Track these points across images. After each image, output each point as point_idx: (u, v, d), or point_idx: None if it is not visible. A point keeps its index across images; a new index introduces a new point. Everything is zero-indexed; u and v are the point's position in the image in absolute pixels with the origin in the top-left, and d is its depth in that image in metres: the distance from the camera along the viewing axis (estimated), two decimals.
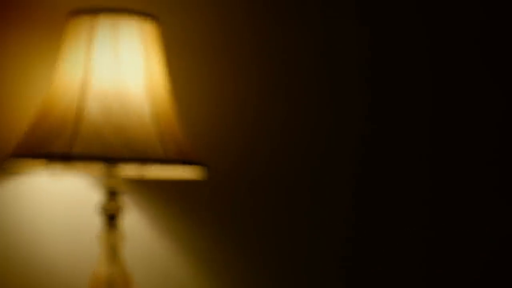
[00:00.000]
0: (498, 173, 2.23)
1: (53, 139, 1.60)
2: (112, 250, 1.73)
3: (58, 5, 1.83)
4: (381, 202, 2.14)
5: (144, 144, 1.62)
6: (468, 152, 2.22)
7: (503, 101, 2.25)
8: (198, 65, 2.01)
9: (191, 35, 2.01)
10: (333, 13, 2.15)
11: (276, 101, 2.10)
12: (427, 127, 2.19)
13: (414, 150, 2.18)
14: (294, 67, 2.12)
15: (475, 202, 2.21)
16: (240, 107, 2.06)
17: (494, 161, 2.23)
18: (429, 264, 2.17)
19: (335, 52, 2.12)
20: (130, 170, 1.83)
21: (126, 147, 1.60)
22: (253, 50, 2.08)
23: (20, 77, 1.83)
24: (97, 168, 1.82)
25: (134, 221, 1.93)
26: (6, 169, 1.77)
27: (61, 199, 1.86)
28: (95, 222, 1.74)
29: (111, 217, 1.73)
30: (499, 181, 2.23)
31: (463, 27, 2.24)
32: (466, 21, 2.24)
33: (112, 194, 1.73)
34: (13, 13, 1.83)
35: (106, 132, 1.60)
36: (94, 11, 1.67)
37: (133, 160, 1.62)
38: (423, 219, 2.17)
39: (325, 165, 2.11)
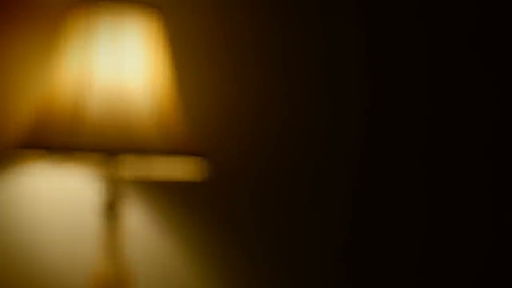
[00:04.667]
0: (498, 173, 2.23)
1: (54, 131, 1.60)
2: (112, 246, 1.72)
3: None
4: (380, 201, 2.14)
5: (144, 136, 1.62)
6: (467, 152, 2.22)
7: (501, 101, 2.26)
8: (197, 60, 2.01)
9: (191, 28, 2.01)
10: (333, 13, 2.15)
11: (276, 100, 2.10)
12: (426, 128, 2.19)
13: (414, 152, 2.18)
14: (294, 67, 2.12)
15: (473, 202, 2.21)
16: (241, 105, 2.06)
17: (493, 161, 2.23)
18: (427, 264, 2.17)
19: (335, 52, 2.13)
20: (133, 168, 1.82)
21: (126, 138, 1.60)
22: (253, 46, 2.08)
23: (20, 69, 1.83)
24: (97, 161, 1.81)
25: (137, 221, 1.92)
26: (7, 161, 1.77)
27: (61, 197, 1.86)
28: (95, 220, 1.74)
29: (110, 210, 1.72)
30: (498, 182, 2.23)
31: (462, 27, 2.25)
32: (465, 20, 2.25)
33: (112, 187, 1.72)
34: (12, 5, 1.82)
35: (106, 124, 1.59)
36: (95, 1, 1.66)
37: (132, 151, 1.61)
38: (421, 220, 2.17)
39: (325, 164, 2.11)
